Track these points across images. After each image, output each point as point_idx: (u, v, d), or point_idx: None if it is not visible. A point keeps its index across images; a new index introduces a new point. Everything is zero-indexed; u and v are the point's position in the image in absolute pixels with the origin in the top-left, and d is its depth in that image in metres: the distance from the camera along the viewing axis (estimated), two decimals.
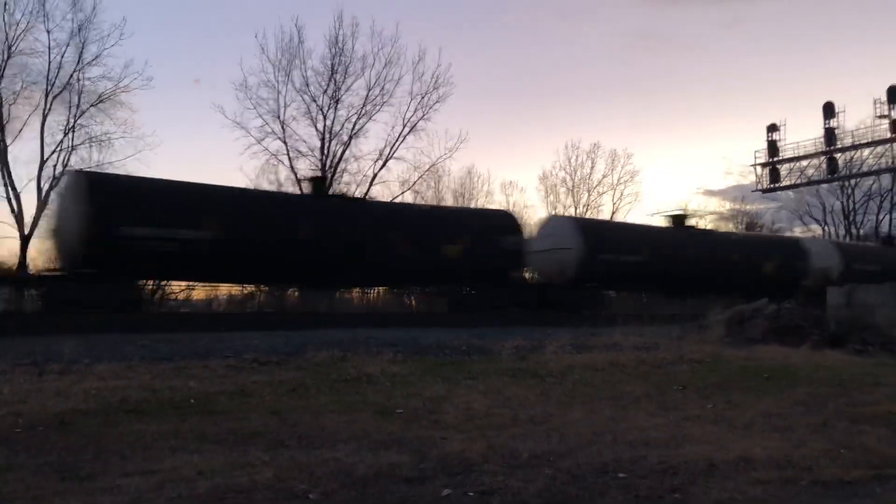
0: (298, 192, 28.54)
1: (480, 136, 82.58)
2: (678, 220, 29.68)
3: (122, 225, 16.62)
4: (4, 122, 30.00)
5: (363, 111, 35.94)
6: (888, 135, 33.55)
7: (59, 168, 29.67)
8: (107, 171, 27.43)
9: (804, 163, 36.17)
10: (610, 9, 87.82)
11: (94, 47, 31.74)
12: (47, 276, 18.04)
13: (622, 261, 24.06)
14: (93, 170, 16.40)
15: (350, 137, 35.87)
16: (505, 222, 23.76)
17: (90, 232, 16.24)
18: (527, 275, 25.28)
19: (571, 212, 45.43)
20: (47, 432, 5.67)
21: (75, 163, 30.97)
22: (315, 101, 35.41)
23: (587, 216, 43.82)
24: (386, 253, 19.94)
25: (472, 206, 41.50)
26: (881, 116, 33.70)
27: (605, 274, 24.04)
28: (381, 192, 37.19)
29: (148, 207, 17.43)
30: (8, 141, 30.12)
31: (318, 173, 34.99)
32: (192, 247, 17.29)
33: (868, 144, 34.58)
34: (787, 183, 37.22)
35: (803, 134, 62.80)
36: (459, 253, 20.89)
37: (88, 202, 16.50)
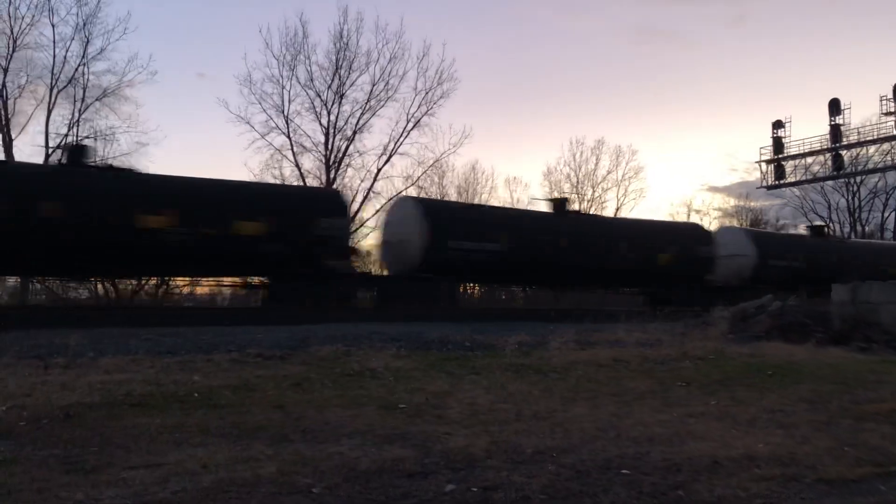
0: (303, 184, 28.84)
1: (484, 132, 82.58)
2: (817, 230, 34.31)
3: (450, 239, 21.09)
4: (9, 116, 30.10)
5: (367, 106, 36.03)
6: (894, 132, 33.46)
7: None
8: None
9: (809, 160, 36.13)
10: (615, 4, 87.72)
11: (98, 42, 32.16)
12: (381, 277, 22.95)
13: (785, 266, 28.25)
14: (423, 196, 20.26)
15: (354, 133, 35.92)
16: (700, 234, 28.38)
17: (429, 245, 20.67)
18: None
19: (576, 207, 45.49)
20: (52, 425, 5.69)
21: None
22: (319, 96, 35.49)
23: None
24: (615, 259, 24.36)
25: (476, 200, 41.80)
26: (887, 114, 33.62)
27: (773, 277, 27.45)
28: (385, 188, 37.34)
29: (465, 226, 22.17)
30: (13, 135, 30.24)
31: (323, 168, 35.13)
32: (494, 256, 21.89)
33: (874, 141, 34.50)
34: (792, 180, 37.16)
35: (809, 131, 62.53)
36: (669, 260, 25.40)
37: (427, 222, 20.93)
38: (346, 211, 21.38)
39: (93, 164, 17.90)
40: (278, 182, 20.56)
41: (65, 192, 16.31)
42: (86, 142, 31.12)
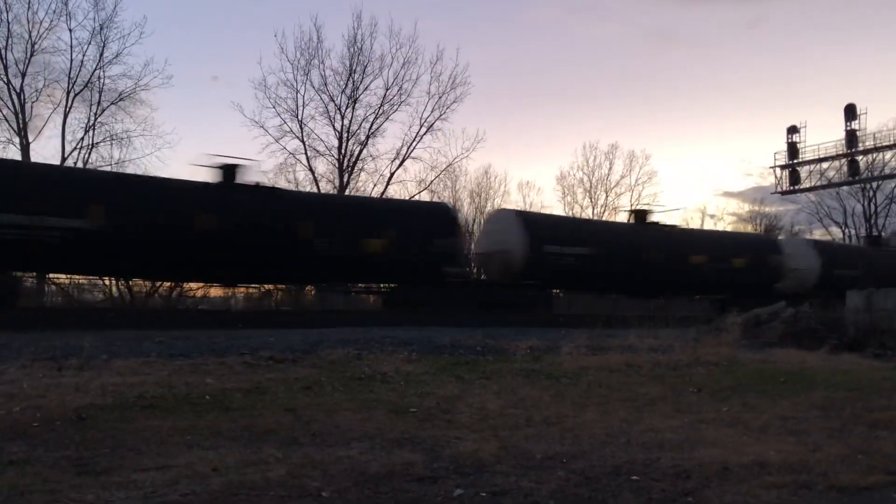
0: (317, 187, 29.09)
1: (497, 136, 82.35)
2: None
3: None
4: (27, 119, 30.37)
5: (381, 111, 36.09)
6: None
7: (80, 165, 30.06)
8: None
9: (825, 165, 35.77)
10: (629, 8, 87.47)
11: (114, 46, 31.97)
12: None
13: None
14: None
15: (367, 137, 35.99)
16: None
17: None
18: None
19: (589, 213, 45.49)
20: (65, 427, 5.74)
21: (95, 160, 31.38)
22: (333, 100, 35.56)
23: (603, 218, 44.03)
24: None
25: (489, 206, 42.03)
26: None
27: None
28: (398, 192, 37.46)
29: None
30: (30, 138, 30.51)
31: (336, 172, 35.25)
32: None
33: (890, 147, 34.15)
34: (808, 185, 36.84)
35: (824, 136, 62.23)
36: None
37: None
38: (782, 248, 30.26)
39: (655, 223, 27.52)
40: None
41: (664, 246, 26.00)
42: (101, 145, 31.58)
